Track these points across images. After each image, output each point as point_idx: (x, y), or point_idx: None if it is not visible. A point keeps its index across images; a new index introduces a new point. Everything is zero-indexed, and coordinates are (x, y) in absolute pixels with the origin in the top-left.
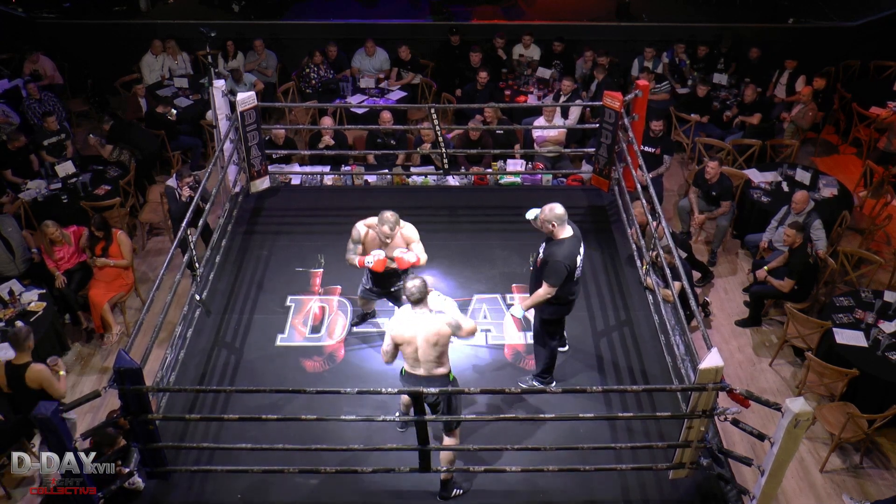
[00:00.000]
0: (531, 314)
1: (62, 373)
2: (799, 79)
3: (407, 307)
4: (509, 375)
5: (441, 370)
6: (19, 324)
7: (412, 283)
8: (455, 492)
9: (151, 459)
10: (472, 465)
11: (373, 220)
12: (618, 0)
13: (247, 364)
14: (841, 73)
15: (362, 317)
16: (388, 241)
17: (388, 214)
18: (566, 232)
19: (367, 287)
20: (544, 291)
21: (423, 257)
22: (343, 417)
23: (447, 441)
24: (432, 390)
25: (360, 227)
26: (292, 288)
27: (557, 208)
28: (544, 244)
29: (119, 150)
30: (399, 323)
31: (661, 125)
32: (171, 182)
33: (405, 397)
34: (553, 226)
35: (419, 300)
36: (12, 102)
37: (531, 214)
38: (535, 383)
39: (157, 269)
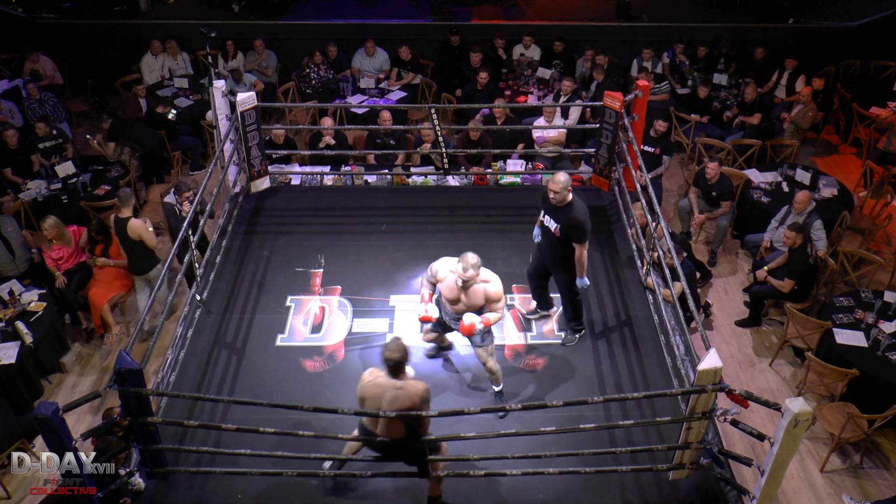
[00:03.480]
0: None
1: (151, 228)
2: (799, 79)
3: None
4: (509, 375)
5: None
6: (125, 189)
7: (390, 347)
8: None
9: (151, 460)
10: (472, 468)
11: (453, 262)
12: (618, 0)
13: (247, 364)
14: (841, 73)
15: (437, 350)
16: (465, 285)
17: (469, 256)
18: (571, 195)
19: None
20: (583, 250)
21: (494, 318)
22: (341, 436)
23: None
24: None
25: (439, 269)
26: (292, 288)
27: (563, 175)
28: (555, 215)
29: (121, 147)
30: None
31: (665, 126)
32: (170, 198)
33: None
34: (567, 191)
35: (396, 366)
36: (15, 103)
37: (557, 185)
38: (576, 335)
39: (153, 284)
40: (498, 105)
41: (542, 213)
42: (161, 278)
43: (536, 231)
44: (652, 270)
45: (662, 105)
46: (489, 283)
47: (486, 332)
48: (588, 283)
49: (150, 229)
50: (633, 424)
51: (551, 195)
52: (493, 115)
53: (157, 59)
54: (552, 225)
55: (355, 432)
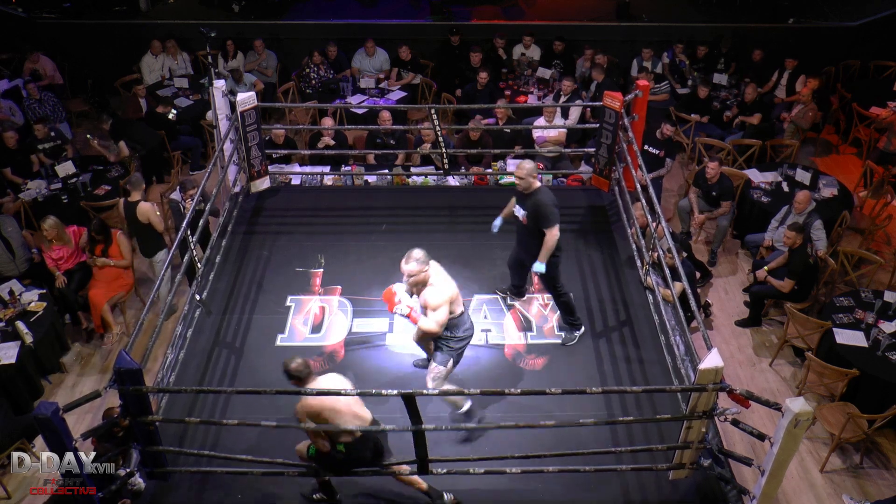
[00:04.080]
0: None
1: (159, 212)
2: (799, 79)
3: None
4: (509, 376)
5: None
6: (136, 175)
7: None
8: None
9: (151, 460)
10: (472, 466)
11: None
12: (618, 0)
13: (247, 364)
14: (841, 73)
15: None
16: (410, 281)
17: (414, 251)
18: (538, 182)
19: None
20: (553, 235)
21: (423, 323)
22: (343, 427)
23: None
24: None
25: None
26: (292, 288)
27: (529, 163)
28: (522, 202)
29: (132, 151)
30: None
31: (671, 130)
32: (176, 195)
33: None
34: (533, 178)
35: (289, 378)
36: (15, 102)
37: (522, 171)
38: (575, 333)
39: (156, 270)
40: (500, 105)
41: (515, 203)
42: (165, 267)
43: (497, 222)
44: (652, 270)
45: (662, 105)
46: (431, 286)
47: (445, 354)
48: (543, 269)
49: (159, 214)
50: (634, 421)
51: (517, 181)
52: (496, 114)
53: (157, 59)
54: (520, 213)
55: None
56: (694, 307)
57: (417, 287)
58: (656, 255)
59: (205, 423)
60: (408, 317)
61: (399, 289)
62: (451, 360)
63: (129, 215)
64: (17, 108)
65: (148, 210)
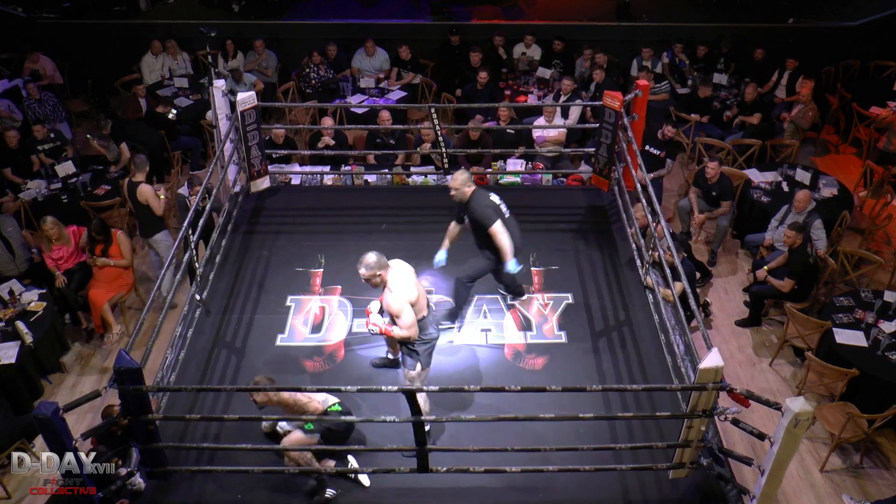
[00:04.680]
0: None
1: (162, 196)
2: (799, 79)
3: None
4: (509, 375)
5: None
6: (141, 156)
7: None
8: (328, 493)
9: (151, 459)
10: (472, 464)
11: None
12: (618, 0)
13: (247, 364)
14: (841, 73)
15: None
16: (372, 286)
17: (367, 255)
18: (471, 187)
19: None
20: (496, 232)
21: (396, 332)
22: (343, 418)
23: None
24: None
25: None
26: (292, 288)
27: (461, 174)
28: (464, 212)
29: (134, 153)
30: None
31: (673, 132)
32: (183, 190)
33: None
34: (468, 188)
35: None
36: (14, 102)
37: (456, 182)
38: (446, 322)
39: (157, 270)
40: (501, 105)
41: (455, 223)
42: (171, 255)
43: (441, 257)
44: (651, 270)
45: (662, 105)
46: (389, 292)
47: (411, 359)
48: (515, 269)
49: (162, 198)
50: (634, 417)
51: (452, 193)
52: (498, 114)
53: (157, 59)
54: (466, 222)
55: None
56: (693, 306)
57: (371, 284)
58: (657, 254)
59: (205, 419)
60: (381, 333)
61: (374, 307)
62: (419, 363)
63: (130, 194)
64: (17, 108)
65: (147, 192)
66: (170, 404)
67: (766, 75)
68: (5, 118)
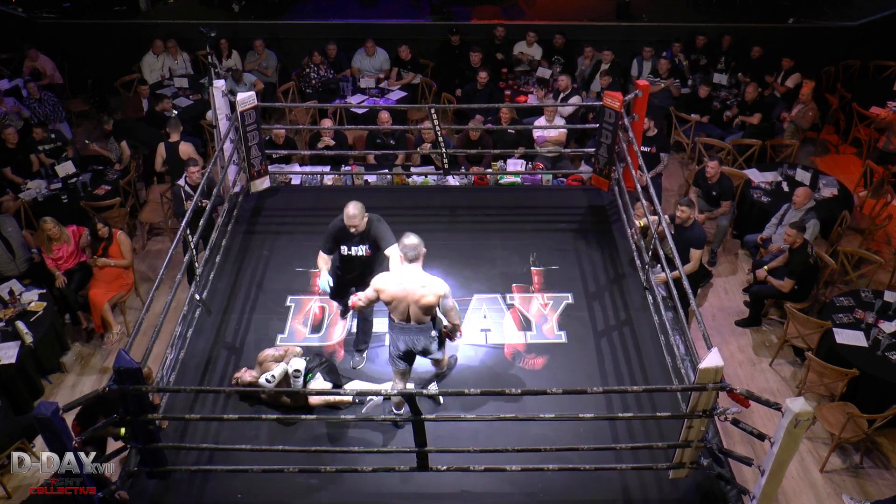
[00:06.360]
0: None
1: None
2: (790, 77)
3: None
4: (509, 375)
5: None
6: (176, 118)
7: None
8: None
9: (152, 459)
10: (471, 463)
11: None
12: (618, 0)
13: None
14: (841, 72)
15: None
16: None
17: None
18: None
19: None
20: (394, 250)
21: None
22: (343, 416)
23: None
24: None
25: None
26: (292, 288)
27: (354, 207)
28: (358, 243)
29: (136, 151)
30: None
31: (651, 124)
32: (181, 181)
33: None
34: (365, 216)
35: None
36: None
37: (355, 219)
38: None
39: (157, 270)
40: (503, 105)
41: (341, 247)
42: (174, 245)
43: (327, 284)
44: (650, 268)
45: (662, 100)
46: (382, 273)
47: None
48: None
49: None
50: (634, 417)
51: (352, 230)
52: (500, 116)
53: (158, 59)
54: (360, 251)
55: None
56: (693, 305)
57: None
58: (653, 244)
59: (205, 419)
60: (352, 306)
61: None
62: (393, 368)
63: (169, 154)
64: (23, 106)
65: (189, 149)
66: (170, 404)
67: (767, 75)
68: (12, 114)
